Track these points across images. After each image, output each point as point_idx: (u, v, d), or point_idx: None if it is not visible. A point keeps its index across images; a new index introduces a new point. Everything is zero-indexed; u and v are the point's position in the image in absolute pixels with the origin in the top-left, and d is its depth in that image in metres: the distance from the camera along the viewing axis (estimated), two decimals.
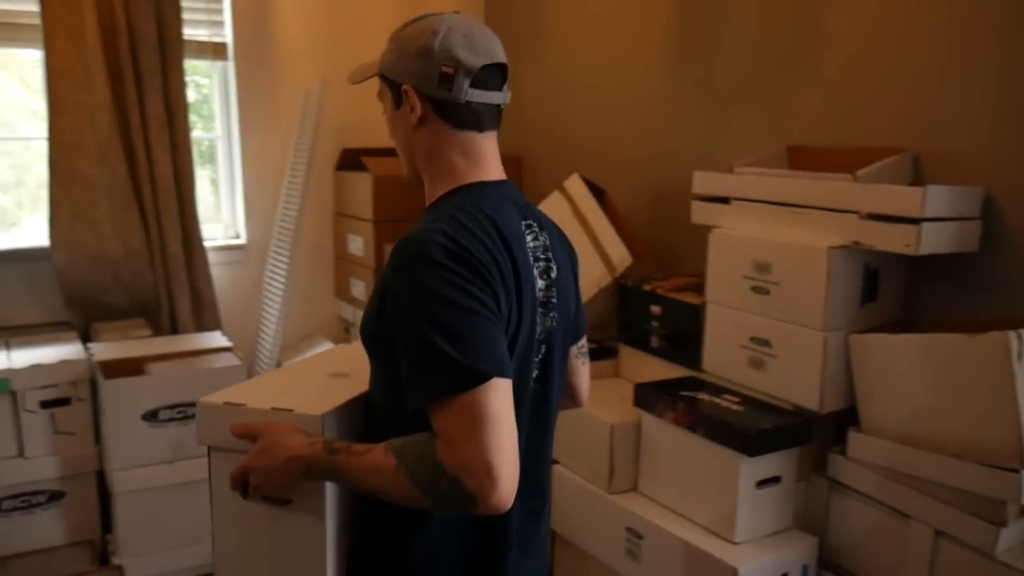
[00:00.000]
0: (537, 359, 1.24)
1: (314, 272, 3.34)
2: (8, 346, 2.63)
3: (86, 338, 2.83)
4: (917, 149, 2.02)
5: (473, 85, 1.18)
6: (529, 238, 1.22)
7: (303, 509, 1.22)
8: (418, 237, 1.10)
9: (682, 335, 2.33)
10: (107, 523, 2.62)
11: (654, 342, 2.42)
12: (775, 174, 2.09)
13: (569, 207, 2.63)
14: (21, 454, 2.47)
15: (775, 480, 2.01)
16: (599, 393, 2.40)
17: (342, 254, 3.33)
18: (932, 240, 1.80)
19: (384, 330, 1.12)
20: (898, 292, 2.06)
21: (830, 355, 1.95)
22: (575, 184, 2.65)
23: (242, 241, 3.25)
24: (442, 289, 1.06)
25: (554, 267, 1.25)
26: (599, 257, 2.55)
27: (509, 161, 3.41)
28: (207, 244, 3.05)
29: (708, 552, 1.94)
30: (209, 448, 1.28)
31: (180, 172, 2.94)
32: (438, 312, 1.05)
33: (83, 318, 2.90)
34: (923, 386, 1.80)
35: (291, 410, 1.24)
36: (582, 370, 1.48)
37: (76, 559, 2.50)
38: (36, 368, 2.44)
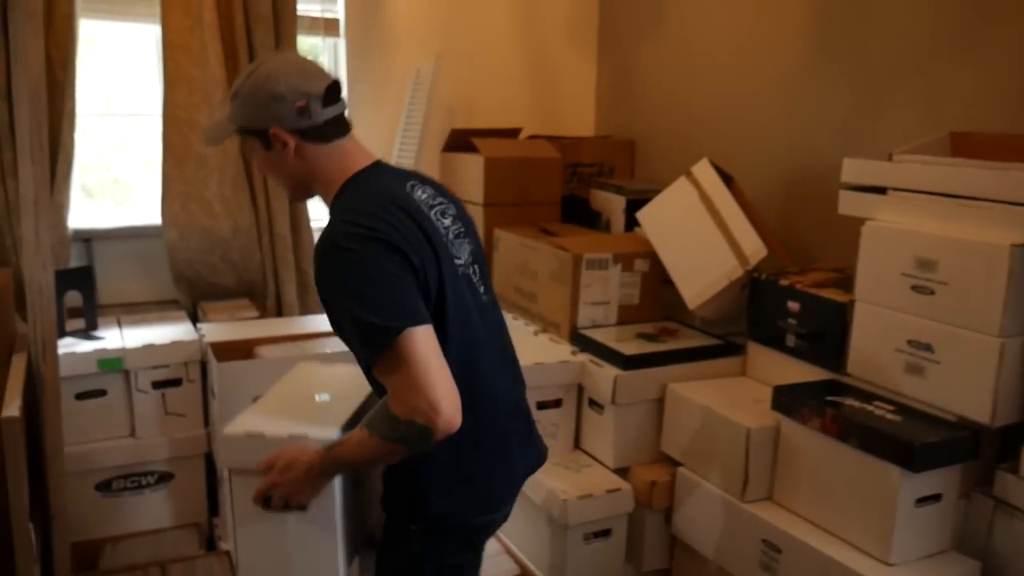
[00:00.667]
0: (476, 279, 1.51)
1: None
2: (120, 324, 2.61)
3: (194, 317, 2.80)
4: None
5: (324, 105, 1.42)
6: (418, 193, 1.48)
7: (317, 514, 1.45)
8: (324, 236, 1.35)
9: (823, 335, 2.16)
10: (214, 506, 2.59)
11: (789, 341, 2.25)
12: (946, 163, 1.90)
13: (696, 194, 2.48)
14: (132, 434, 2.45)
15: (936, 498, 1.84)
16: (728, 393, 2.27)
17: None
18: None
19: (334, 322, 1.39)
20: None
21: (1006, 363, 1.76)
22: (704, 170, 2.49)
23: None
24: (350, 270, 1.30)
25: (450, 207, 1.53)
26: (730, 248, 2.39)
27: (621, 145, 3.27)
28: (313, 225, 2.99)
29: (861, 574, 1.78)
30: (230, 471, 1.50)
31: None
32: (352, 289, 1.30)
33: (190, 297, 2.88)
34: None
35: (305, 435, 1.46)
36: None
37: (183, 542, 2.47)
38: (149, 348, 2.41)
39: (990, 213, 1.79)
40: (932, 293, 1.87)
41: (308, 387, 1.69)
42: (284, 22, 2.79)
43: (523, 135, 3.28)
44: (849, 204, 2.11)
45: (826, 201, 2.48)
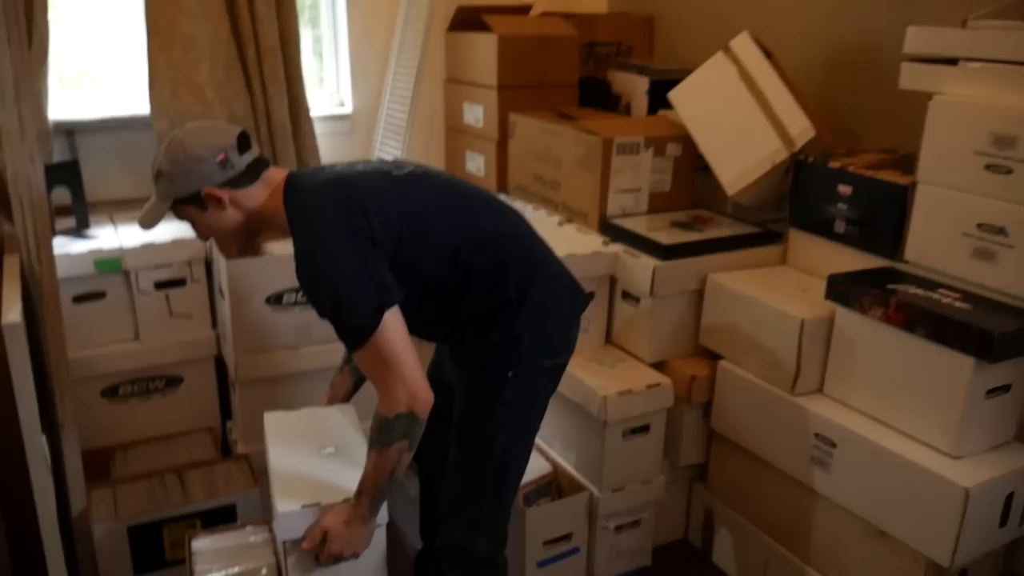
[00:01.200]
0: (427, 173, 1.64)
1: (427, 145, 3.04)
2: (113, 222, 2.42)
3: None
4: None
5: (240, 153, 1.50)
6: (358, 164, 1.61)
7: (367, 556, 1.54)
8: (293, 213, 1.48)
9: (878, 220, 2.03)
10: (226, 410, 2.47)
11: (839, 227, 2.12)
12: None
13: (736, 71, 2.29)
14: (136, 337, 2.30)
15: (1005, 389, 1.76)
16: (772, 283, 2.15)
17: (455, 125, 3.03)
18: None
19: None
20: None
21: None
22: (744, 45, 2.30)
23: (347, 110, 2.96)
24: (324, 242, 1.43)
25: (389, 156, 1.67)
26: (773, 129, 2.22)
27: (639, 22, 3.04)
28: (312, 114, 2.77)
29: (927, 467, 1.71)
30: (285, 543, 1.51)
31: (285, 32, 2.62)
32: (328, 266, 1.41)
33: None
34: None
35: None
36: None
37: (197, 447, 2.35)
38: (149, 247, 2.23)
39: None
40: (1010, 172, 1.74)
41: (302, 443, 1.73)
42: None
43: (534, 12, 3.04)
44: (913, 77, 1.95)
45: (875, 76, 2.32)
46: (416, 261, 1.50)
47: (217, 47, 2.51)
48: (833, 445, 1.90)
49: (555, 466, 2.26)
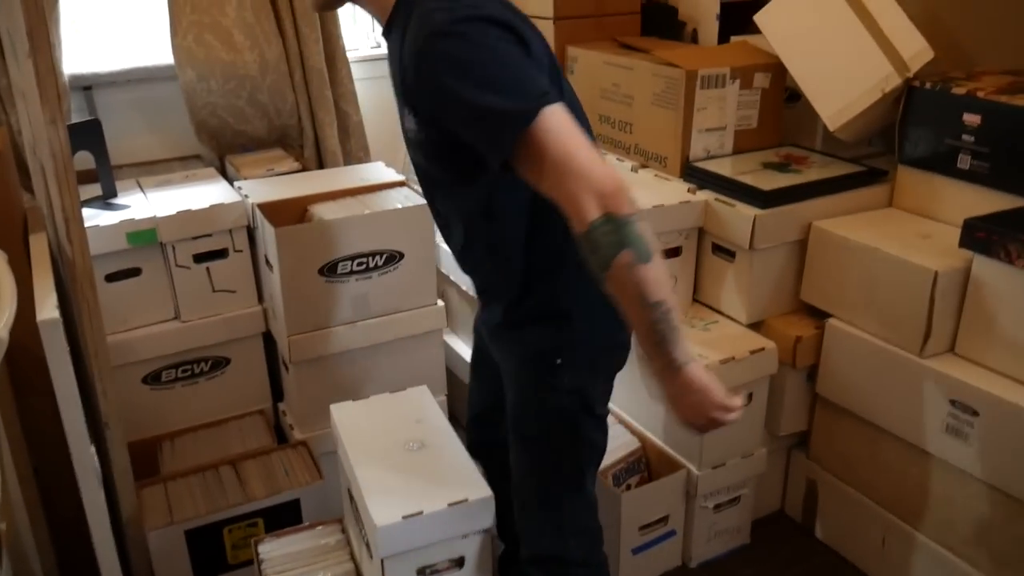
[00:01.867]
0: None
1: None
2: (141, 188, 2.19)
3: (224, 175, 2.37)
4: None
5: None
6: None
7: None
8: (428, 28, 1.10)
9: (1015, 153, 1.77)
10: (277, 391, 2.27)
11: (963, 162, 1.86)
12: None
13: None
14: (177, 316, 2.08)
15: None
16: (885, 229, 1.91)
17: None
18: None
19: (435, 128, 1.17)
20: None
21: None
22: None
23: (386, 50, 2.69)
24: (470, 53, 1.09)
25: None
26: (882, 52, 1.95)
27: None
28: (349, 55, 2.51)
29: None
30: (383, 560, 1.35)
31: None
32: (477, 74, 1.08)
33: (216, 150, 2.44)
34: None
35: (466, 499, 1.38)
36: None
37: (250, 433, 2.16)
38: (185, 215, 2.00)
39: None
40: None
41: (382, 439, 1.55)
42: None
43: None
44: None
45: None
46: None
47: None
48: (975, 413, 1.68)
49: (642, 440, 2.05)
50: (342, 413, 1.64)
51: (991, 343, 1.70)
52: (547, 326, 1.35)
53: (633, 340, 1.28)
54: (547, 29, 2.48)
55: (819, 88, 2.03)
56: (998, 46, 2.05)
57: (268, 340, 2.21)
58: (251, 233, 2.10)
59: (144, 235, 1.98)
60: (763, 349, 1.91)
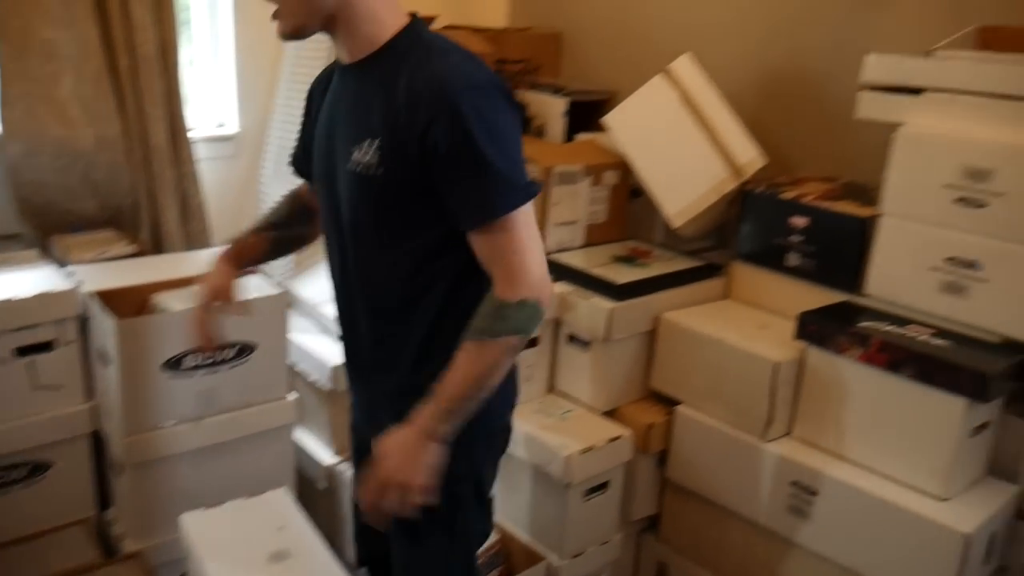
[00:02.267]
0: None
1: None
2: None
3: (48, 256, 2.18)
4: None
5: None
6: None
7: None
8: (451, 73, 1.13)
9: (837, 253, 1.96)
10: (104, 498, 2.07)
11: (792, 260, 2.04)
12: (1005, 59, 1.70)
13: (677, 96, 2.16)
14: None
15: (984, 426, 1.72)
16: (726, 321, 2.04)
17: None
18: None
19: (413, 170, 1.16)
20: None
21: None
22: (686, 68, 2.18)
23: (230, 131, 2.61)
24: (493, 115, 1.13)
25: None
26: (720, 157, 2.12)
27: (546, 38, 2.88)
28: (190, 135, 2.41)
29: (920, 513, 1.64)
30: None
31: (164, 40, 2.26)
32: (504, 137, 1.14)
33: (39, 230, 2.23)
34: None
35: None
36: None
37: (72, 546, 1.94)
38: (9, 304, 1.81)
39: None
40: (982, 206, 1.70)
41: (239, 549, 1.48)
42: None
43: (436, 25, 2.80)
44: (872, 106, 1.89)
45: (812, 103, 2.28)
46: None
47: (84, 56, 2.11)
48: (813, 493, 1.80)
49: (501, 532, 2.04)
50: (194, 523, 1.52)
51: (826, 427, 1.84)
52: None
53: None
54: None
55: (664, 188, 2.17)
56: (816, 155, 2.29)
57: (97, 440, 2.02)
58: (83, 323, 1.94)
59: None
60: (620, 437, 1.97)
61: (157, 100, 2.26)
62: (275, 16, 1.22)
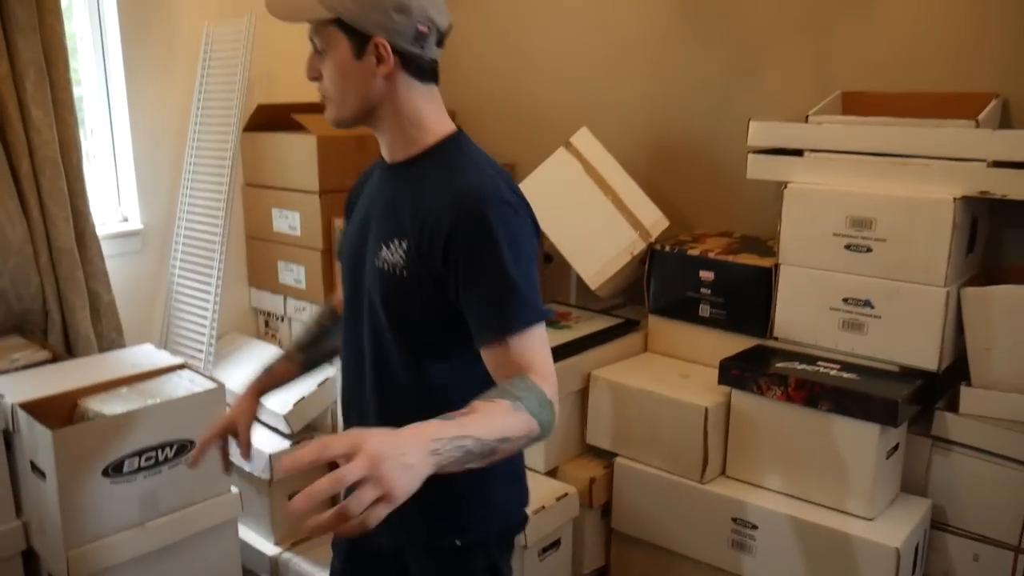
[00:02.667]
0: None
1: (230, 255, 2.71)
2: None
3: None
4: (1002, 93, 1.97)
5: (437, 44, 1.23)
6: None
7: None
8: (485, 186, 1.18)
9: (745, 301, 2.14)
10: None
11: (703, 311, 2.21)
12: (873, 122, 1.94)
13: (580, 166, 2.32)
14: None
15: (896, 448, 1.91)
16: (651, 373, 2.18)
17: (261, 234, 2.74)
18: None
19: (437, 275, 1.18)
20: (985, 241, 2.03)
21: (950, 311, 1.86)
22: (585, 140, 2.34)
23: (134, 226, 2.56)
24: (520, 235, 1.17)
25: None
26: (627, 221, 2.28)
27: None
28: (99, 231, 2.36)
29: (853, 534, 1.80)
30: None
31: (64, 140, 2.22)
32: (524, 256, 1.17)
33: None
34: None
35: None
36: None
37: None
38: None
39: (926, 170, 1.86)
40: (869, 251, 1.92)
41: None
42: None
43: None
44: (760, 168, 2.10)
45: (701, 165, 2.49)
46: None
47: None
48: (754, 527, 1.93)
49: None
50: None
51: (755, 464, 1.99)
52: (463, 501, 1.30)
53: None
54: (311, 203, 2.54)
55: (578, 253, 2.30)
56: (710, 212, 2.49)
57: (30, 558, 1.91)
58: (7, 437, 1.85)
59: None
60: (567, 495, 2.05)
61: (62, 202, 2.21)
62: (323, 102, 1.25)
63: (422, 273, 1.19)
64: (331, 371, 2.38)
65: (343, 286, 1.39)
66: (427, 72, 1.23)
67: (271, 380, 1.53)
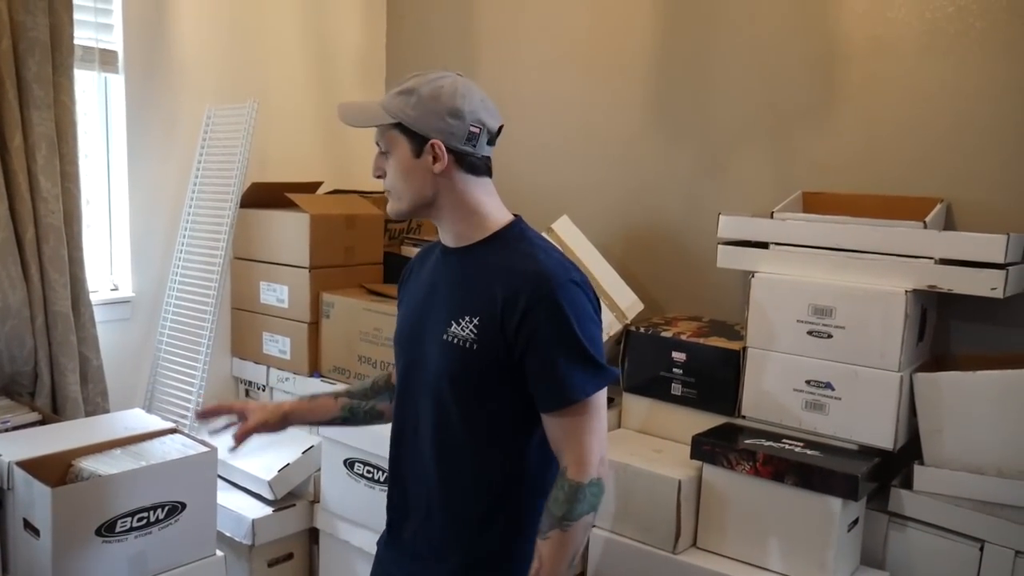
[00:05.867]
0: None
1: (221, 327, 2.79)
2: None
3: None
4: (947, 197, 2.18)
5: (488, 143, 1.39)
6: None
7: None
8: (560, 267, 1.33)
9: (714, 382, 2.28)
10: None
11: (675, 390, 2.34)
12: (831, 220, 2.13)
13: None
14: None
15: (855, 522, 2.03)
16: (626, 448, 2.28)
17: (247, 306, 2.82)
18: (1015, 283, 1.94)
19: (509, 348, 1.30)
20: (933, 331, 2.20)
21: (904, 394, 2.01)
22: (566, 226, 2.50)
23: (125, 294, 2.63)
24: (587, 309, 1.32)
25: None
26: (605, 304, 2.42)
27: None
28: (93, 298, 2.43)
29: None
30: None
31: (68, 210, 2.31)
32: (591, 328, 1.32)
33: None
34: (1003, 419, 1.92)
35: None
36: None
37: None
38: None
39: (880, 264, 2.04)
40: (830, 337, 2.08)
41: None
42: (61, 50, 2.25)
43: (322, 189, 3.01)
44: (729, 258, 2.27)
45: (671, 253, 2.66)
46: None
47: None
48: None
49: None
50: None
51: (724, 535, 2.09)
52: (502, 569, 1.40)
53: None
54: (300, 277, 2.64)
55: None
56: (678, 297, 2.65)
57: None
58: (1, 496, 1.88)
59: None
60: None
61: (62, 268, 2.29)
62: (387, 195, 1.40)
63: (490, 347, 1.31)
64: (315, 439, 2.45)
65: (397, 364, 1.49)
66: (479, 167, 1.38)
67: (310, 408, 1.62)
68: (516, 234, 1.38)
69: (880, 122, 2.29)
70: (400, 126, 1.34)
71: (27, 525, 1.83)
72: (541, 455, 1.37)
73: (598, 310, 1.37)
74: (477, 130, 1.35)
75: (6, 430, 2.08)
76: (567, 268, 1.34)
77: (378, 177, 1.40)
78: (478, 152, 1.36)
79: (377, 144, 1.38)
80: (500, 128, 1.41)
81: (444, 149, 1.33)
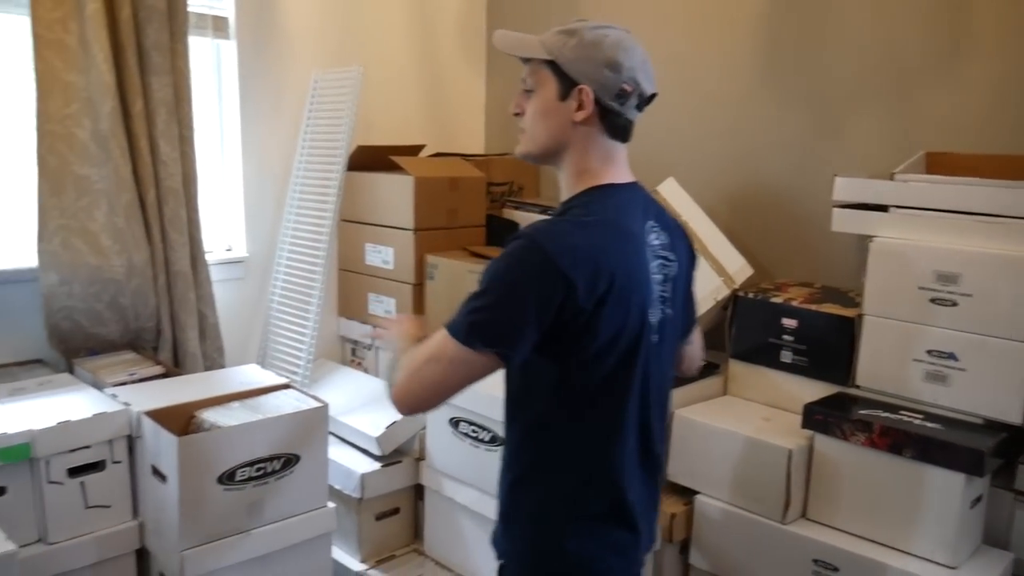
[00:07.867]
0: (655, 342, 1.35)
1: (328, 288, 2.86)
2: (9, 395, 1.99)
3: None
4: None
5: (637, 107, 1.33)
6: (651, 237, 1.36)
7: None
8: (541, 225, 1.25)
9: (827, 349, 2.20)
10: None
11: (785, 357, 2.28)
12: (956, 182, 2.01)
13: None
14: (43, 539, 1.87)
15: (979, 499, 1.95)
16: (734, 414, 2.24)
17: (352, 267, 2.88)
18: None
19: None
20: None
21: None
22: (672, 189, 2.45)
23: (239, 255, 2.72)
24: (514, 268, 1.21)
25: (673, 265, 1.39)
26: (713, 267, 2.37)
27: (526, 163, 3.16)
28: (208, 258, 2.52)
29: None
30: None
31: (187, 172, 2.39)
32: (488, 280, 1.23)
33: (64, 354, 2.28)
34: None
35: None
36: (688, 349, 1.65)
37: None
38: (64, 427, 1.85)
39: (1010, 228, 1.92)
40: (955, 305, 1.98)
41: None
42: (177, 17, 2.31)
43: (424, 152, 3.03)
44: (846, 222, 2.18)
45: (781, 218, 2.57)
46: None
47: (118, 190, 2.22)
48: (835, 569, 1.97)
49: None
50: None
51: (837, 507, 2.04)
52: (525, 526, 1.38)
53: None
54: (405, 239, 2.67)
55: None
56: (789, 263, 2.57)
57: (142, 557, 2.03)
58: (132, 442, 1.98)
59: (16, 451, 1.79)
60: None
61: (181, 229, 2.37)
62: (519, 136, 1.37)
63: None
64: None
65: None
66: (619, 129, 1.33)
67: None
68: (579, 201, 1.31)
69: (1012, 77, 2.14)
70: (553, 64, 1.29)
71: (155, 471, 1.92)
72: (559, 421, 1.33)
73: (547, 283, 1.20)
74: (630, 89, 1.29)
75: (133, 382, 2.18)
76: (555, 230, 1.24)
77: (516, 115, 1.36)
78: (624, 112, 1.31)
79: (523, 80, 1.34)
80: (653, 96, 1.34)
81: (592, 98, 1.28)
